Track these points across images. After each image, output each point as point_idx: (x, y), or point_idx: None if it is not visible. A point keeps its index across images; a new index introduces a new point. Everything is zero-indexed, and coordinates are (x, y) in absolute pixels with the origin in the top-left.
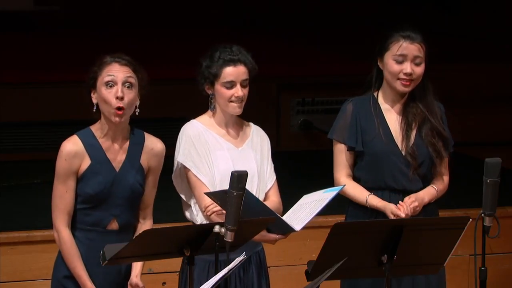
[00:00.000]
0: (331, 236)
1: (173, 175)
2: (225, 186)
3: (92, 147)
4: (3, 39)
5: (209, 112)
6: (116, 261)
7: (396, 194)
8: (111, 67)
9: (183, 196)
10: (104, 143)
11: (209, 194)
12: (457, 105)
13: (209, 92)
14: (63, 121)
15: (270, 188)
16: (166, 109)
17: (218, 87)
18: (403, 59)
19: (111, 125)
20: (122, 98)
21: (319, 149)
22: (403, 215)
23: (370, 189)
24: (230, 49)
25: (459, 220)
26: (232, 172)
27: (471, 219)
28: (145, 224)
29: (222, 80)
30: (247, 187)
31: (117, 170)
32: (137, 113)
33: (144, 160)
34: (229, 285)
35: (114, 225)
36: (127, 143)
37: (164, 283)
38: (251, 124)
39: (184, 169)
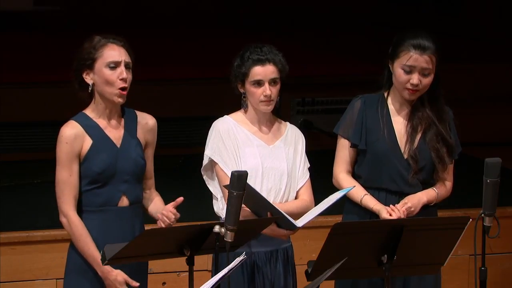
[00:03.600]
0: (331, 236)
1: (202, 168)
2: (252, 182)
3: (91, 127)
4: (3, 39)
5: (242, 110)
6: (116, 261)
7: (392, 196)
8: (111, 49)
9: (211, 189)
10: (101, 122)
11: (227, 187)
12: (457, 105)
13: (241, 90)
14: (63, 121)
15: (302, 187)
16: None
17: (248, 86)
18: (411, 70)
19: (107, 104)
20: (126, 80)
21: (319, 149)
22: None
23: (367, 188)
24: (260, 49)
25: (459, 220)
26: (232, 172)
27: (471, 219)
28: (152, 193)
29: (251, 79)
30: (275, 185)
31: (118, 146)
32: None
33: (140, 134)
34: (256, 279)
35: (125, 202)
36: (122, 120)
37: (164, 283)
38: (287, 123)
39: (213, 163)
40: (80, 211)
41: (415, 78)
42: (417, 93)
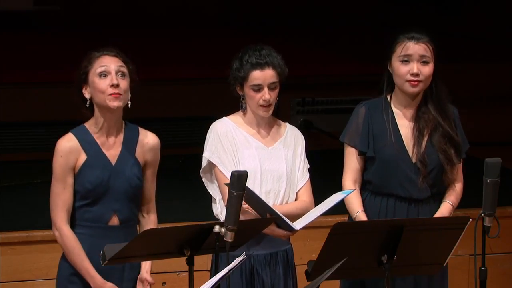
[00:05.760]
0: (331, 236)
1: (201, 170)
2: (251, 184)
3: (87, 142)
4: (3, 39)
5: (241, 112)
6: (116, 261)
7: (401, 202)
8: (102, 59)
9: (211, 192)
10: (99, 138)
11: (227, 185)
12: (457, 105)
13: (240, 93)
14: (63, 121)
15: (301, 188)
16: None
17: (247, 89)
18: (409, 60)
19: (106, 116)
20: (117, 86)
21: (319, 149)
22: None
23: (376, 194)
24: (259, 52)
25: (459, 220)
26: (232, 172)
27: (471, 219)
28: (149, 219)
29: (250, 83)
30: (274, 187)
31: (113, 163)
32: (129, 106)
33: (139, 154)
34: (256, 283)
35: (115, 221)
36: (122, 137)
37: (164, 283)
38: (286, 123)
39: (211, 165)
40: (73, 224)
41: (414, 67)
42: (419, 85)
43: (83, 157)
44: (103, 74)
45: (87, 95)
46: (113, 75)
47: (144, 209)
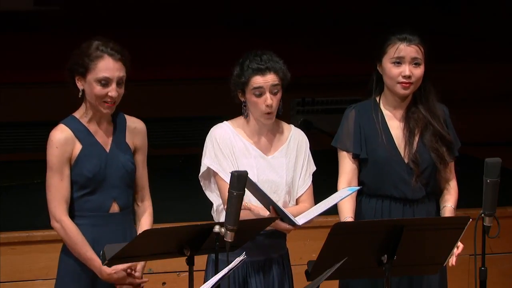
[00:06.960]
0: (331, 236)
1: (200, 175)
2: (248, 193)
3: (80, 131)
4: (3, 39)
5: (243, 118)
6: (116, 261)
7: (396, 203)
8: (105, 64)
9: (209, 197)
10: (91, 127)
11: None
12: (457, 105)
13: (242, 99)
14: None
15: (303, 194)
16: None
17: (249, 95)
18: (401, 62)
19: (96, 112)
20: (115, 97)
21: (319, 149)
22: None
23: (371, 196)
24: (260, 57)
25: (459, 220)
26: (232, 172)
27: (471, 219)
28: (144, 207)
29: (251, 87)
30: (272, 197)
31: (107, 150)
32: None
33: (129, 139)
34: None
35: (115, 208)
36: (111, 124)
37: (164, 283)
38: (291, 126)
39: (212, 172)
40: (71, 216)
41: (406, 69)
42: (411, 87)
43: (78, 147)
44: (104, 83)
45: (80, 86)
46: (114, 87)
47: (138, 197)
